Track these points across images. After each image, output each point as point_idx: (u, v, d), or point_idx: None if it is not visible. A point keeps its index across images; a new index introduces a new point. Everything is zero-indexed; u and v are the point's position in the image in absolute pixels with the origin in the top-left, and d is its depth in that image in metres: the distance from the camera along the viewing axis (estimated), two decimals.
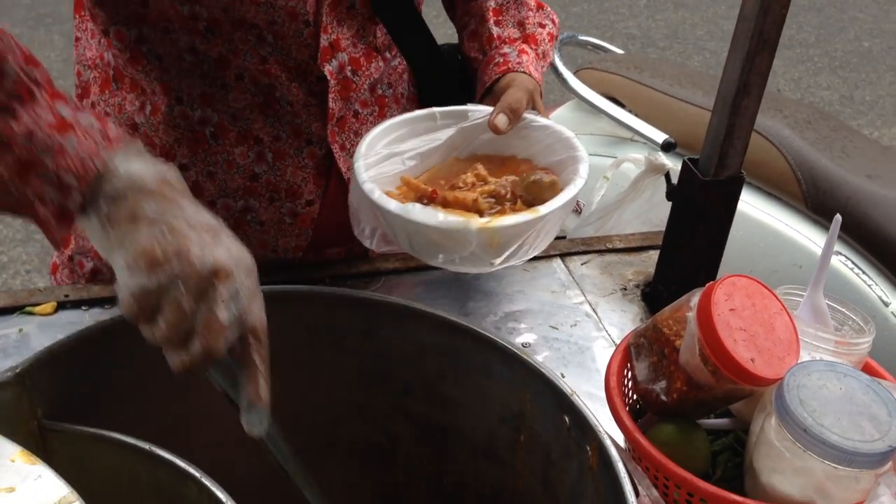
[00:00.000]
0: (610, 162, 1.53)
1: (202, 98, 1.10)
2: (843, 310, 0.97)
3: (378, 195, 0.98)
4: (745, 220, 1.77)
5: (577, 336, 1.13)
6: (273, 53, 1.07)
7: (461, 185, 1.04)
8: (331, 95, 1.11)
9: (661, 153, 1.15)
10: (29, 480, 0.62)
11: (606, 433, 0.81)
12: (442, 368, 0.97)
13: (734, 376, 0.85)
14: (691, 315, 0.88)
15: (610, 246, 1.30)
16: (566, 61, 2.03)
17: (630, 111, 1.91)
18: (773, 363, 0.86)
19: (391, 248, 1.08)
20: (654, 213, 1.27)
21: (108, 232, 0.72)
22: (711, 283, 0.89)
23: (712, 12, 5.62)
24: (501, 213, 1.01)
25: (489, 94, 1.17)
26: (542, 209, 0.96)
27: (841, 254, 1.67)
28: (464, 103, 1.14)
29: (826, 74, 4.97)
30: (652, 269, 1.23)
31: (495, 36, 1.21)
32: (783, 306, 0.91)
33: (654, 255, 1.25)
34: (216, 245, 0.71)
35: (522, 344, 1.11)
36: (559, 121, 1.19)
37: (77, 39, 1.16)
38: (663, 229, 1.18)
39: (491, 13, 1.22)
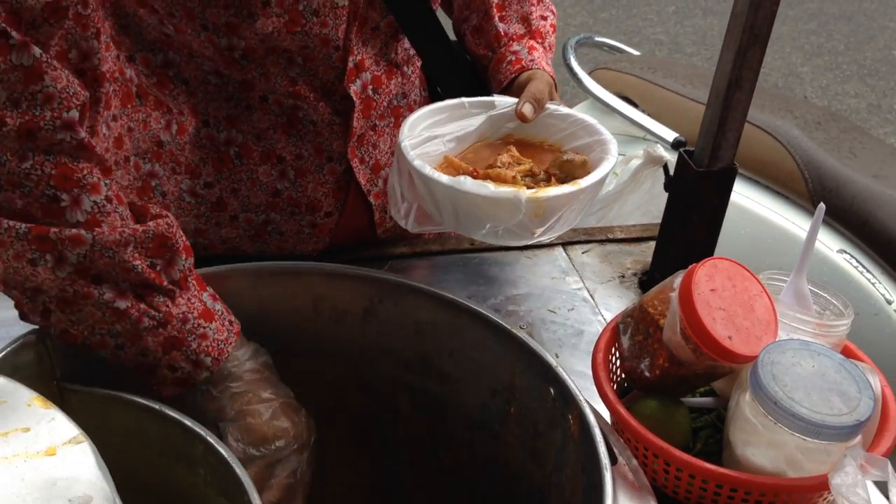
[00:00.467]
0: (620, 158, 1.57)
1: (227, 120, 1.13)
2: (825, 295, 1.01)
3: (429, 170, 1.01)
4: (752, 218, 1.81)
5: (573, 319, 1.18)
6: (302, 75, 1.10)
7: (499, 164, 1.08)
8: (355, 115, 1.14)
9: (659, 146, 1.19)
10: (43, 422, 0.67)
11: (587, 402, 0.86)
12: (439, 344, 1.02)
13: (712, 353, 0.89)
14: (674, 295, 0.92)
15: (611, 236, 1.35)
16: (582, 62, 2.08)
17: (643, 110, 1.96)
18: (751, 341, 0.90)
19: (424, 227, 1.11)
20: (654, 204, 1.31)
21: (221, 401, 0.91)
22: (694, 264, 0.93)
23: None
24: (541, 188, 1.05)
25: (507, 92, 1.20)
26: (583, 182, 1.01)
27: (845, 252, 1.69)
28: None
29: (854, 82, 4.96)
30: (650, 259, 1.27)
31: (502, 33, 1.25)
32: (763, 289, 0.95)
33: (653, 245, 1.29)
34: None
35: (520, 325, 1.16)
36: None
37: None
38: None
39: (495, 9, 1.25)
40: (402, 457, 1.13)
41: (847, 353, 0.99)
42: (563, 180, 1.05)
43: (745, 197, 1.83)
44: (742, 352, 0.89)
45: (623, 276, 1.26)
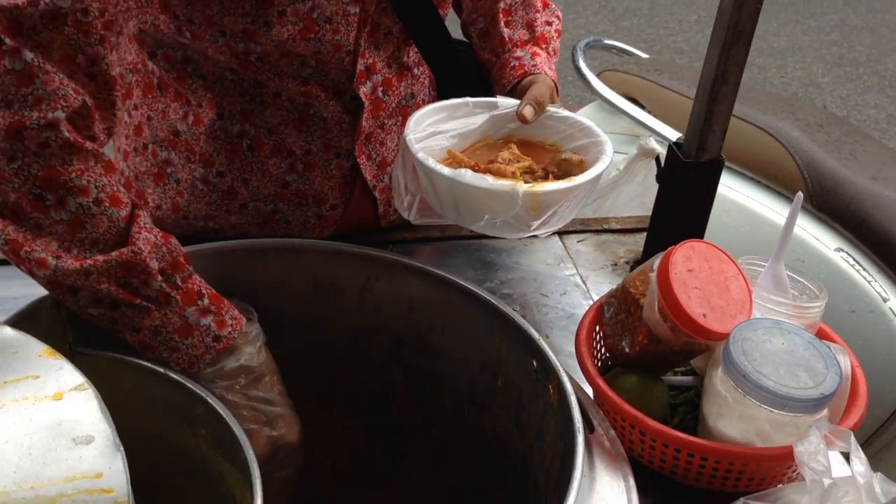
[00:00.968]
0: (623, 157, 1.62)
1: (241, 114, 1.17)
2: (803, 280, 1.05)
3: (432, 162, 1.06)
4: (752, 217, 1.85)
5: (564, 303, 1.23)
6: (314, 76, 1.14)
7: (499, 161, 1.13)
8: (364, 115, 1.19)
9: (652, 139, 1.24)
10: (52, 371, 0.73)
11: (566, 373, 0.90)
12: (431, 320, 1.07)
13: (687, 329, 0.94)
14: (653, 275, 0.97)
15: (606, 227, 1.39)
16: (591, 64, 2.12)
17: (648, 111, 2.00)
18: (725, 320, 0.95)
19: (426, 219, 1.16)
20: (647, 195, 1.35)
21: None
22: (672, 246, 0.97)
23: (762, 29, 5.63)
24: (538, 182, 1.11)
25: (511, 96, 1.24)
26: (578, 179, 1.06)
27: (843, 251, 1.73)
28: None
29: (874, 93, 4.97)
30: (642, 248, 1.32)
31: (507, 39, 1.30)
32: (740, 271, 0.99)
33: (646, 235, 1.33)
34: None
35: (514, 308, 1.20)
36: None
37: None
38: None
39: (501, 14, 1.30)
40: (396, 432, 1.18)
41: (822, 335, 1.03)
42: (560, 178, 1.10)
43: (745, 196, 1.86)
44: (716, 329, 0.93)
45: (615, 265, 1.31)
